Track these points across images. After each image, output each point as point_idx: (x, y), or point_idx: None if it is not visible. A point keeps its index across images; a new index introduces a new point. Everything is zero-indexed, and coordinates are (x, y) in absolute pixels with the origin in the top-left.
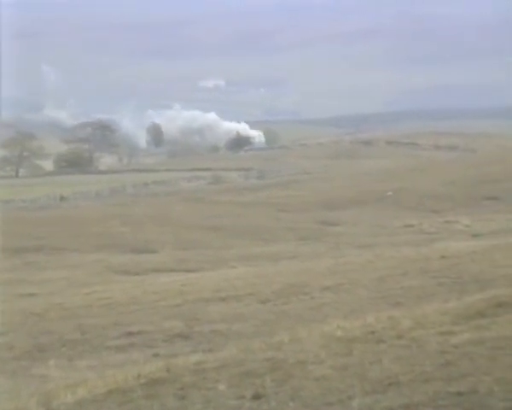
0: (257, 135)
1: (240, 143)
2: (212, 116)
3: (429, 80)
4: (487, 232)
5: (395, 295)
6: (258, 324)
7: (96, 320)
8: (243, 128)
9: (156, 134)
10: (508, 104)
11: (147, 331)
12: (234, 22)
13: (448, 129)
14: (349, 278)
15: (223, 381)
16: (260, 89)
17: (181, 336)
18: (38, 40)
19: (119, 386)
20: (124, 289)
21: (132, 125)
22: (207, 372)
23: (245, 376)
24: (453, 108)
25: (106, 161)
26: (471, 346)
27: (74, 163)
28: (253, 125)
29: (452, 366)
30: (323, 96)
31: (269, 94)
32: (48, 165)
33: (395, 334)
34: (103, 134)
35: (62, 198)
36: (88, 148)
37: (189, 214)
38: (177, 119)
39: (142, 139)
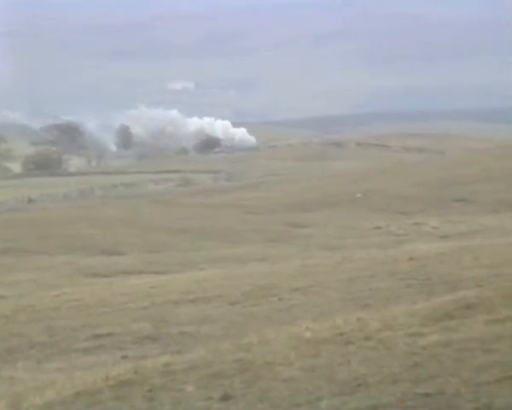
0: (239, 132)
1: (209, 144)
2: (175, 114)
3: (398, 82)
4: (455, 234)
5: (364, 296)
6: (226, 325)
7: (65, 322)
8: (226, 126)
9: (125, 136)
10: (475, 106)
11: (115, 333)
12: (203, 24)
13: (417, 131)
14: (318, 280)
15: (191, 382)
16: (229, 90)
17: (149, 338)
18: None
19: (88, 388)
20: (92, 291)
21: (100, 127)
22: (176, 374)
23: (213, 377)
24: (422, 110)
25: (74, 163)
26: (439, 347)
27: (42, 165)
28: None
29: (420, 368)
30: (293, 97)
31: (238, 96)
32: (16, 167)
33: (363, 335)
34: (72, 136)
35: (30, 200)
36: (56, 150)
37: (158, 216)
38: (143, 119)
39: (110, 141)
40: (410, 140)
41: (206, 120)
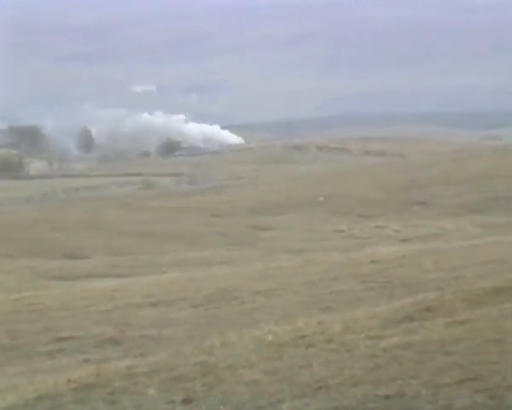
0: (231, 136)
1: (171, 147)
2: (137, 117)
3: (358, 86)
4: (416, 237)
5: (325, 299)
6: (189, 328)
7: (27, 326)
8: (215, 130)
9: (86, 139)
10: (434, 110)
11: (77, 337)
12: (164, 27)
13: (376, 134)
14: (280, 283)
15: (153, 386)
16: (191, 93)
17: (112, 342)
18: None
19: (49, 391)
20: (54, 294)
21: (61, 129)
22: (138, 377)
23: (176, 380)
24: (381, 114)
25: (35, 166)
26: (399, 350)
27: (3, 168)
28: None
29: (381, 370)
30: (254, 101)
31: (200, 99)
32: None
33: (325, 338)
34: (32, 139)
35: None
36: (17, 153)
37: (121, 220)
38: (104, 121)
39: (71, 144)
40: (370, 144)
41: (215, 127)
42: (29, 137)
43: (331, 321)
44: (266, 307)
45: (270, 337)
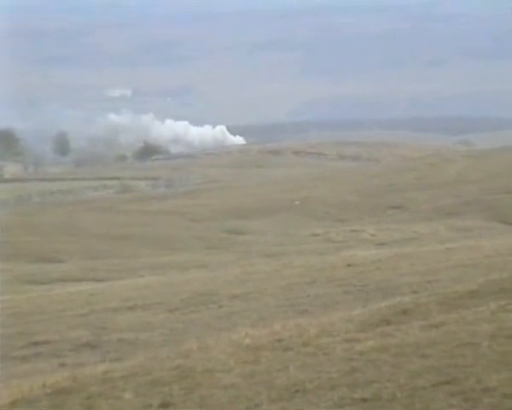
0: (236, 139)
1: (148, 151)
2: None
3: (334, 91)
4: (392, 241)
5: (302, 303)
6: (166, 332)
7: (2, 330)
8: (221, 131)
9: (62, 143)
10: (409, 115)
11: (53, 341)
12: (140, 32)
13: (352, 139)
14: (257, 287)
15: (130, 390)
16: (166, 98)
17: (88, 346)
18: None
19: (25, 396)
20: (30, 298)
21: (37, 133)
22: (115, 381)
23: (153, 384)
24: (356, 119)
25: (10, 169)
26: (376, 353)
27: None
28: None
29: (357, 373)
30: (230, 105)
31: (175, 103)
32: None
33: (302, 341)
34: (7, 143)
35: None
36: None
37: (97, 224)
38: (80, 125)
39: (47, 148)
40: (345, 148)
41: (221, 128)
42: (3, 141)
43: (308, 324)
44: (243, 310)
45: (247, 341)
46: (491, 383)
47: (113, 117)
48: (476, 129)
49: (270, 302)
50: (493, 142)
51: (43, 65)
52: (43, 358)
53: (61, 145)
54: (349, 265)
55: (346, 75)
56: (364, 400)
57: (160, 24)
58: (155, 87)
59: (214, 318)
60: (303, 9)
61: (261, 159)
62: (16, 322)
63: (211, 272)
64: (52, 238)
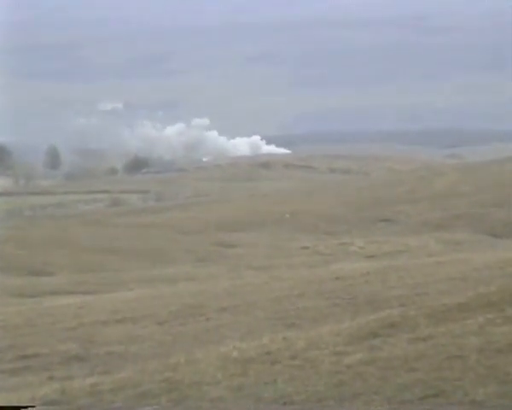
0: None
1: (137, 165)
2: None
3: (323, 104)
4: (380, 254)
5: (291, 316)
6: (154, 345)
7: None
8: (256, 143)
9: (53, 156)
10: (398, 128)
11: (42, 354)
12: (131, 45)
13: (341, 152)
14: (246, 300)
15: (119, 402)
16: (158, 111)
17: (77, 359)
18: None
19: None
20: (19, 311)
21: (28, 147)
22: (103, 394)
23: (141, 397)
24: (345, 132)
25: (1, 183)
26: (363, 366)
27: None
28: None
29: (345, 386)
30: (220, 119)
31: (166, 117)
32: None
33: (290, 355)
34: None
35: None
36: None
37: (87, 237)
38: (71, 139)
39: (38, 161)
40: (335, 161)
41: (255, 138)
42: None
43: (296, 338)
44: (232, 323)
45: (235, 354)
46: (478, 397)
47: (103, 130)
48: (466, 142)
49: (258, 315)
50: (483, 155)
51: (33, 79)
52: (32, 371)
53: (52, 159)
54: (338, 278)
55: (336, 88)
56: None
57: (152, 37)
58: (146, 101)
59: (203, 330)
60: (293, 23)
61: (251, 172)
62: (5, 335)
63: (200, 285)
64: (42, 251)
